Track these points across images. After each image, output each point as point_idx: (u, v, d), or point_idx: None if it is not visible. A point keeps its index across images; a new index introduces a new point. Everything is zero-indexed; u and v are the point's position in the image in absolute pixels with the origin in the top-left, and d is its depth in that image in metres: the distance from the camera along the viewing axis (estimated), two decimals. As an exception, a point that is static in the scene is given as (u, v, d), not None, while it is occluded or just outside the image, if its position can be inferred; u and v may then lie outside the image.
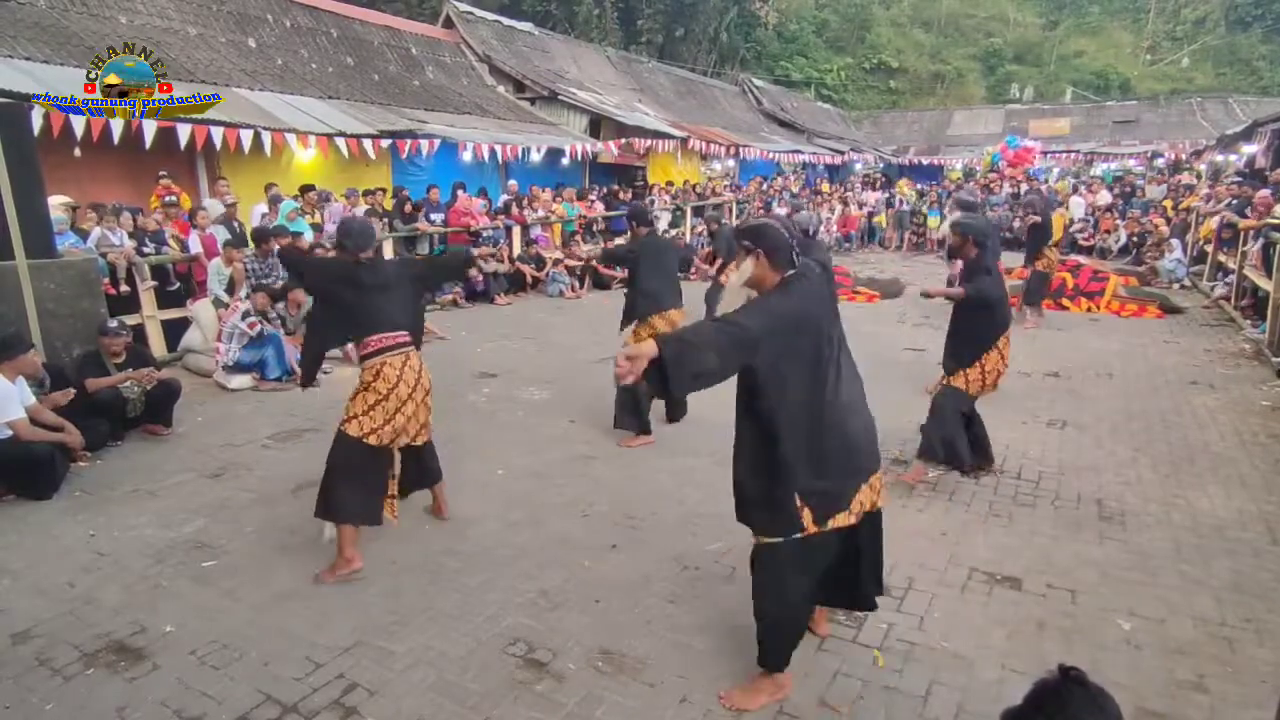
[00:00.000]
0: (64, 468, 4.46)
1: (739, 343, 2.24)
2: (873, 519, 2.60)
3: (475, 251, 10.58)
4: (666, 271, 5.23)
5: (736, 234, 2.59)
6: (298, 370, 6.66)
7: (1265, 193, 9.32)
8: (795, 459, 2.39)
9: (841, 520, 2.47)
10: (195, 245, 7.62)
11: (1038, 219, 8.64)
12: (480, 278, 10.40)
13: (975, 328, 4.42)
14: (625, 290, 5.42)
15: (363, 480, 3.44)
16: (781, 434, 2.38)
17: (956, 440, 4.41)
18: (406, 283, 3.70)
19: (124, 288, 6.80)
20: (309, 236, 7.68)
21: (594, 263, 11.45)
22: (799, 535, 2.44)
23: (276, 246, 6.58)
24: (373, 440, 3.42)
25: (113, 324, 5.38)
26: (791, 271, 2.43)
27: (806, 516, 2.42)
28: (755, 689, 2.62)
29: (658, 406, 5.65)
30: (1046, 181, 20.60)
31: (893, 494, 4.29)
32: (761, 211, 17.48)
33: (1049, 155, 24.02)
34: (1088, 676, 1.34)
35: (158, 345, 7.05)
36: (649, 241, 5.33)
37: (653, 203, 14.41)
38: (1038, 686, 1.35)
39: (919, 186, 21.38)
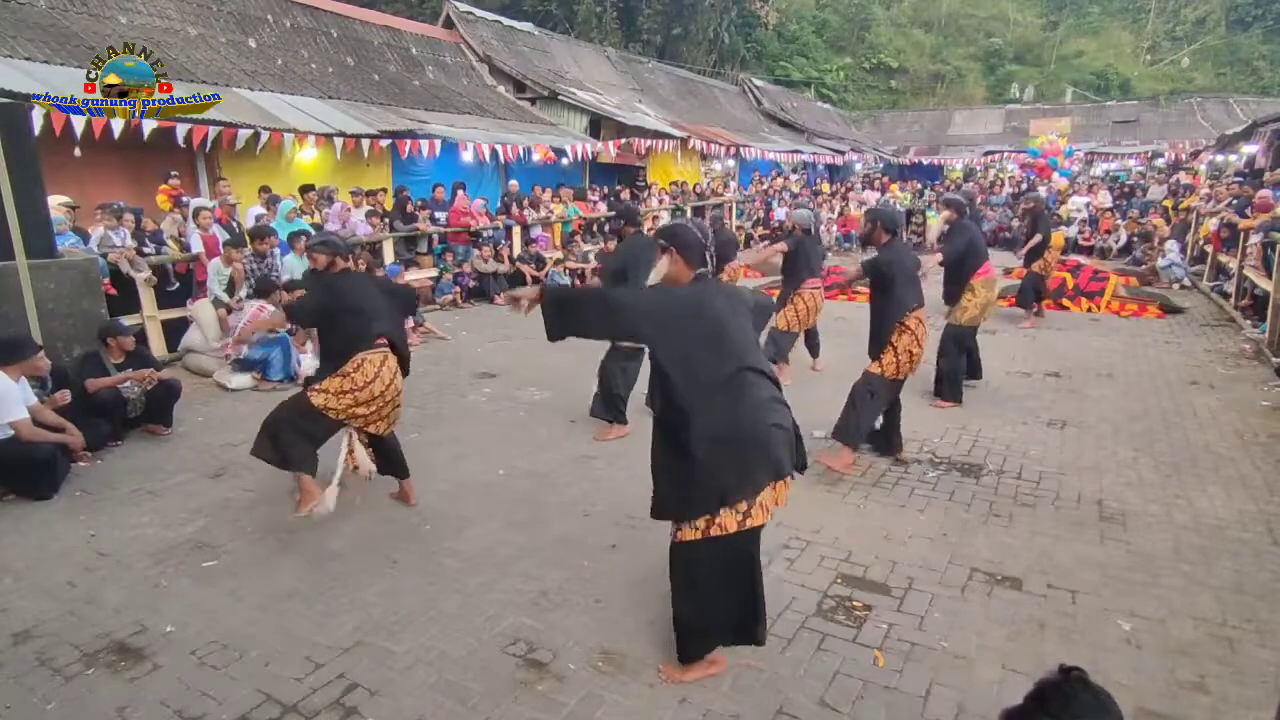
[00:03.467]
0: (65, 468, 4.46)
1: (613, 308, 2.57)
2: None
3: (476, 253, 10.64)
4: (647, 269, 5.20)
5: (655, 234, 2.84)
6: (300, 372, 6.69)
7: (1265, 193, 9.32)
8: (705, 452, 2.46)
9: (758, 518, 2.55)
10: (195, 245, 7.62)
11: (1032, 206, 8.79)
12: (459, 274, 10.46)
13: (878, 309, 4.58)
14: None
15: (309, 435, 3.76)
16: (692, 421, 2.47)
17: (866, 421, 4.56)
18: (386, 297, 4.00)
19: (137, 280, 6.82)
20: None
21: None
22: (715, 534, 2.51)
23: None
24: (330, 415, 3.72)
25: (121, 324, 5.40)
26: (703, 269, 2.65)
27: (723, 512, 2.49)
28: (686, 666, 2.73)
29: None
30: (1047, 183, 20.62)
31: (885, 494, 4.31)
32: (761, 211, 17.54)
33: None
34: (1089, 676, 1.34)
35: (158, 345, 7.06)
36: (632, 243, 5.31)
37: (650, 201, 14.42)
38: (1040, 686, 1.35)
39: (919, 186, 21.39)
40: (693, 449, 2.46)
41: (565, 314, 2.55)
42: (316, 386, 3.73)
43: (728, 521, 2.50)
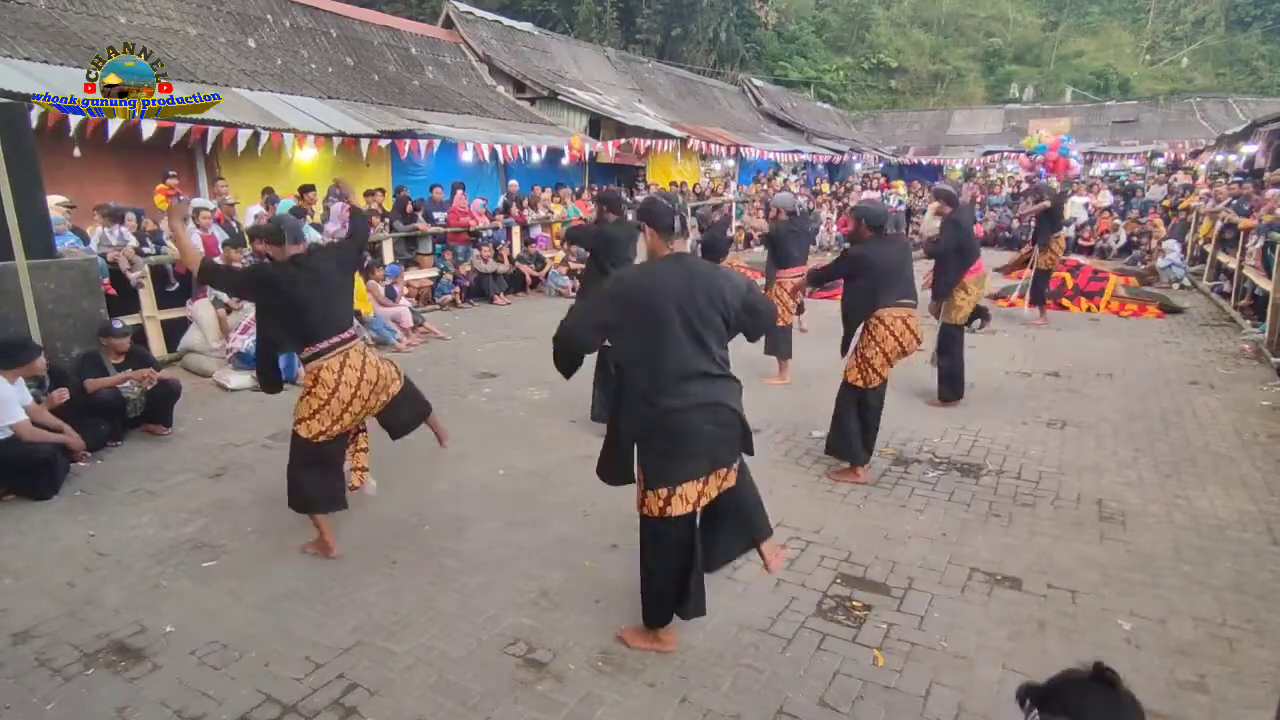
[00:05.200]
0: (64, 468, 4.46)
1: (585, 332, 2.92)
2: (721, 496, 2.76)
3: (475, 253, 10.64)
4: (626, 260, 5.04)
5: (635, 215, 3.02)
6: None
7: (1275, 192, 9.30)
8: (633, 434, 2.70)
9: (678, 508, 2.64)
10: (195, 245, 7.61)
11: (1048, 204, 8.56)
12: (455, 275, 10.43)
13: (845, 303, 4.47)
14: (584, 276, 5.25)
15: (322, 472, 3.60)
16: (623, 405, 2.74)
17: (851, 435, 4.44)
18: (338, 272, 3.59)
19: (134, 280, 6.82)
20: (312, 236, 7.67)
21: (558, 241, 11.61)
22: (650, 515, 2.68)
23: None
24: (323, 439, 3.50)
25: (117, 325, 5.40)
26: (677, 238, 2.72)
27: (649, 496, 2.66)
28: (640, 633, 2.92)
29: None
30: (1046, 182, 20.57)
31: (885, 494, 4.31)
32: (761, 210, 17.53)
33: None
34: (1120, 679, 1.29)
35: (157, 345, 7.05)
36: (613, 228, 5.14)
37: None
38: (1062, 679, 1.31)
39: (919, 186, 21.34)
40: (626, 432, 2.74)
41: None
42: (295, 419, 3.52)
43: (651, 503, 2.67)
